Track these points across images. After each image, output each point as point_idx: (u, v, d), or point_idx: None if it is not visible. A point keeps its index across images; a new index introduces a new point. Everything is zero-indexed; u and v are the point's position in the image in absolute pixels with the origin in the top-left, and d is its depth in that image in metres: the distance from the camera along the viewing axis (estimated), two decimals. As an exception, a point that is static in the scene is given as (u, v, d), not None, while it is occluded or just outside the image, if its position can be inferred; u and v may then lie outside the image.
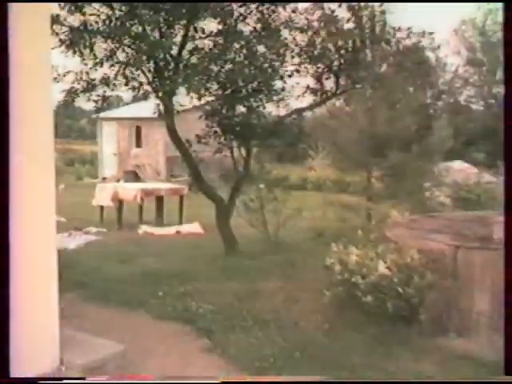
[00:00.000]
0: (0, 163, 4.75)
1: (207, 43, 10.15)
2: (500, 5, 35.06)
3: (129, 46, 9.80)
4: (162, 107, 10.48)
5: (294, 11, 10.50)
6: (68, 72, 9.94)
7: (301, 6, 10.54)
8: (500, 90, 38.49)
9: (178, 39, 9.93)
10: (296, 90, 11.08)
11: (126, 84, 10.20)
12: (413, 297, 6.93)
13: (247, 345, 6.78)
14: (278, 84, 10.73)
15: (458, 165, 20.48)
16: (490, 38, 38.47)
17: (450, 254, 7.16)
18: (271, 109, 11.22)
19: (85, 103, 10.89)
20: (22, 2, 4.79)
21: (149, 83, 10.18)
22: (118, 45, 9.83)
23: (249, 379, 5.23)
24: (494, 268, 6.92)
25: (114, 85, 10.22)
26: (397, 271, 7.05)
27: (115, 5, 9.45)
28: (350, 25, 10.93)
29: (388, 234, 8.21)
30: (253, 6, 10.12)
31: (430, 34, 11.64)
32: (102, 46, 9.84)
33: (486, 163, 29.02)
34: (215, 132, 11.07)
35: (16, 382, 4.53)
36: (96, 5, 9.45)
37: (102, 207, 15.68)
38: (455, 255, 7.14)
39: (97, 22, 9.52)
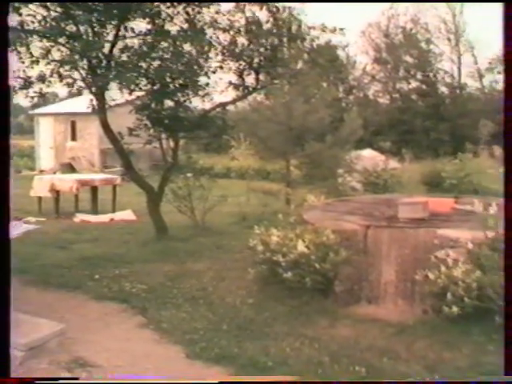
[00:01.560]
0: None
1: (137, 42, 10.04)
2: (401, 10, 35.84)
3: (63, 45, 9.60)
4: (95, 102, 10.32)
5: (217, 12, 10.48)
6: (5, 70, 9.64)
7: (224, 7, 10.55)
8: (403, 85, 39.53)
9: (110, 38, 9.79)
10: (220, 86, 11.08)
11: (61, 81, 10.00)
12: (329, 271, 7.11)
13: (179, 320, 6.83)
14: (203, 80, 10.70)
15: (367, 153, 20.89)
16: (393, 40, 39.38)
17: (361, 233, 7.37)
18: (197, 103, 11.20)
19: (22, 100, 10.63)
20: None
21: (83, 80, 10.01)
22: (53, 44, 9.62)
23: (248, 379, 5.26)
24: (398, 243, 7.19)
25: (50, 82, 10.01)
26: (314, 249, 7.18)
27: (51, 6, 9.24)
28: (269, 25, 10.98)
29: (305, 216, 8.36)
30: (180, 7, 10.06)
31: (341, 29, 11.75)
32: (37, 45, 9.61)
33: (392, 151, 29.80)
34: (145, 125, 10.98)
35: (16, 381, 4.48)
36: (32, 6, 9.21)
37: (40, 198, 15.31)
38: (365, 233, 7.35)
39: (33, 22, 9.29)
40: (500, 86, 37.06)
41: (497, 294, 6.15)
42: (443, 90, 38.74)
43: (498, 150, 33.77)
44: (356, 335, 6.28)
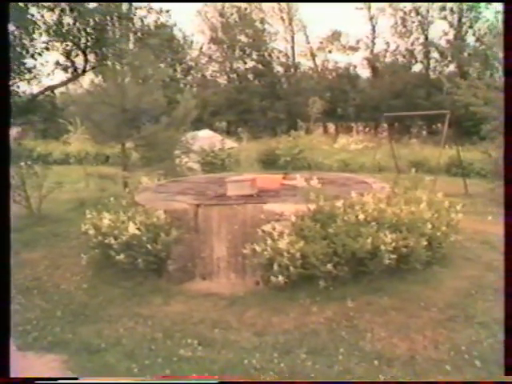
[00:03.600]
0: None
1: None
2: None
3: None
4: None
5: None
6: None
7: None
8: (240, 65, 40.29)
9: None
10: (47, 68, 10.76)
11: None
12: (161, 251, 7.31)
13: (11, 312, 6.71)
14: (29, 62, 10.35)
15: (204, 133, 21.08)
16: (229, 19, 39.91)
17: (192, 212, 7.60)
18: (25, 87, 10.82)
19: None
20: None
21: None
22: None
23: (247, 380, 5.23)
24: (228, 220, 7.51)
25: None
26: (145, 231, 7.34)
27: None
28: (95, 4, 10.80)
29: (137, 198, 8.47)
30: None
31: (167, 11, 11.81)
32: None
33: (230, 130, 30.46)
34: (-31, 113, 10.45)
35: (15, 381, 4.31)
36: None
37: None
38: (196, 212, 7.60)
39: None
40: (331, 65, 38.95)
41: (319, 260, 6.66)
42: (278, 69, 39.95)
43: (332, 127, 35.56)
44: (189, 310, 6.55)
